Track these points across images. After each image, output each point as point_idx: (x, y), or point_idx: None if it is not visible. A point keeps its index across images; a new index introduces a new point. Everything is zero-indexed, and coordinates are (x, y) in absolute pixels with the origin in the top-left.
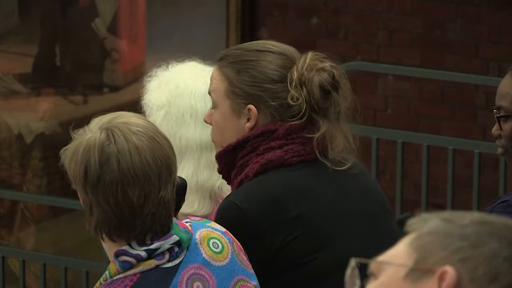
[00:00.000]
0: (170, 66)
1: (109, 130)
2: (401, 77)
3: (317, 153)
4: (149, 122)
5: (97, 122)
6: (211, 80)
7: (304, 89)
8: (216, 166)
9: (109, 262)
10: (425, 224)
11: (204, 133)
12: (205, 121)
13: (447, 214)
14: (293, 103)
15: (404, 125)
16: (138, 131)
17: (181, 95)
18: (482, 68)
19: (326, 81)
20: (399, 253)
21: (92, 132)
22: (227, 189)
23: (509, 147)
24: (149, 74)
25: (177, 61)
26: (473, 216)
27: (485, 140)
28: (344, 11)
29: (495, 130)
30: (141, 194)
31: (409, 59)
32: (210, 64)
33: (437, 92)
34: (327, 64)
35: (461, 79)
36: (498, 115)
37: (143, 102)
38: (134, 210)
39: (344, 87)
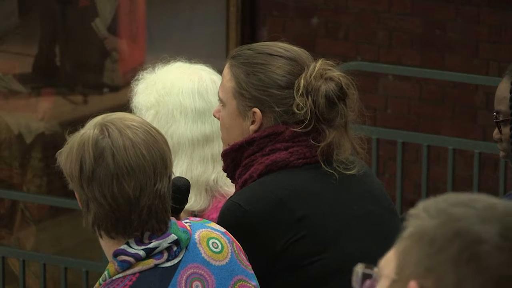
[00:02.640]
0: (156, 68)
1: (103, 126)
2: (401, 77)
3: (321, 162)
4: (144, 119)
5: (91, 122)
6: (222, 77)
7: (310, 98)
8: (209, 160)
9: (109, 262)
10: (413, 222)
11: (194, 129)
12: (214, 116)
13: (434, 206)
14: (298, 111)
15: (404, 125)
16: (133, 125)
17: (169, 93)
18: (482, 68)
19: (333, 92)
20: (389, 258)
21: (86, 130)
22: (222, 182)
23: (510, 151)
24: (136, 78)
25: (163, 63)
26: (453, 208)
27: (485, 140)
28: (344, 11)
29: (495, 134)
30: (137, 186)
31: (409, 59)
32: (195, 63)
33: (437, 92)
34: (336, 73)
35: (461, 79)
36: (497, 120)
37: (132, 105)
38: (130, 202)
39: (352, 97)
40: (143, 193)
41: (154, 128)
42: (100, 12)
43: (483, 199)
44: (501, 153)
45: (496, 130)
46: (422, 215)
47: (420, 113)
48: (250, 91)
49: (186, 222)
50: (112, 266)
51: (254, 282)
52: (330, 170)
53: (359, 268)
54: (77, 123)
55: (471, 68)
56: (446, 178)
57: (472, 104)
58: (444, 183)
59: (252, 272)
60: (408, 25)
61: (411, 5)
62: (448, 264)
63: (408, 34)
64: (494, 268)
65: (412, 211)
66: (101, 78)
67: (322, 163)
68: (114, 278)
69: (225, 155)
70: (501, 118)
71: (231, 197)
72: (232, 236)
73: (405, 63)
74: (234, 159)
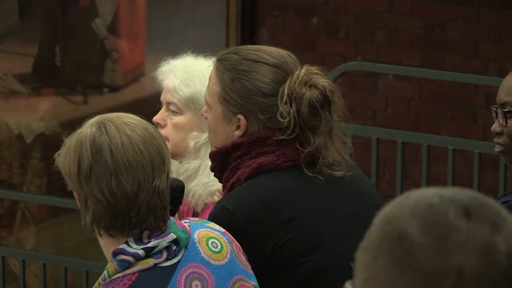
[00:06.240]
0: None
1: (100, 123)
2: (401, 77)
3: (303, 166)
4: (141, 118)
5: (88, 121)
6: (209, 78)
7: (293, 107)
8: None
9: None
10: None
11: None
12: (202, 115)
13: (382, 211)
14: (282, 120)
15: (404, 125)
16: (130, 122)
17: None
18: (482, 68)
19: (316, 100)
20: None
21: (84, 128)
22: None
23: (510, 145)
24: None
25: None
26: (390, 209)
27: (485, 140)
28: (344, 11)
29: (496, 127)
30: (135, 182)
31: (409, 59)
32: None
33: (437, 92)
34: (320, 81)
35: (461, 79)
36: (505, 110)
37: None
38: (129, 199)
39: (337, 103)
40: (141, 190)
41: (152, 126)
42: (100, 12)
43: (415, 194)
44: (499, 147)
45: (495, 124)
46: (374, 221)
47: (420, 113)
48: (234, 98)
49: (185, 222)
50: (111, 266)
51: (254, 282)
52: (314, 174)
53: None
54: (77, 123)
55: (471, 68)
56: (446, 178)
57: (472, 104)
58: (444, 183)
59: (252, 272)
60: (408, 25)
61: (411, 5)
62: (380, 271)
63: (408, 34)
64: (419, 265)
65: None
66: (101, 78)
67: (304, 167)
68: (113, 277)
69: (213, 156)
70: (507, 109)
71: (219, 201)
72: (232, 236)
73: (405, 63)
74: (221, 161)
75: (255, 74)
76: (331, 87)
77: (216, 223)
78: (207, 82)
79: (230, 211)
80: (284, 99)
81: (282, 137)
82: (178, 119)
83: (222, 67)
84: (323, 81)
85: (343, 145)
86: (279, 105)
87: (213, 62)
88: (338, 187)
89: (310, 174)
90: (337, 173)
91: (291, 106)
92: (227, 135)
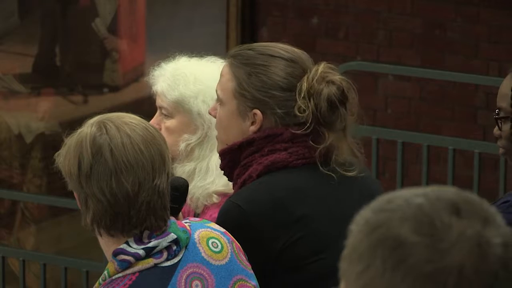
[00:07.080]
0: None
1: (101, 123)
2: (401, 77)
3: (319, 164)
4: (142, 118)
5: (89, 121)
6: (220, 75)
7: (312, 101)
8: None
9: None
10: (348, 239)
11: None
12: (209, 113)
13: (361, 218)
14: (300, 114)
15: (404, 125)
16: (131, 122)
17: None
18: (482, 68)
19: (335, 95)
20: (341, 282)
21: (84, 128)
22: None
23: (509, 148)
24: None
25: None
26: (374, 216)
27: (485, 140)
28: (344, 11)
29: (496, 130)
30: (135, 182)
31: (409, 59)
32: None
33: (437, 92)
34: (337, 77)
35: (461, 79)
36: (496, 116)
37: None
38: (129, 198)
39: (352, 100)
40: (141, 189)
41: (152, 126)
42: (100, 12)
43: (399, 197)
44: (500, 150)
45: (496, 127)
46: (354, 230)
47: (420, 113)
48: (251, 92)
49: (185, 222)
50: (111, 266)
51: (254, 282)
52: (328, 172)
53: None
54: (77, 123)
55: (471, 68)
56: (446, 178)
57: (472, 104)
58: (444, 183)
59: (252, 272)
60: (408, 25)
61: (411, 5)
62: (377, 278)
63: (408, 34)
64: (419, 266)
65: (351, 226)
66: (101, 78)
67: (320, 165)
68: (113, 277)
69: (223, 154)
70: (501, 115)
71: (230, 197)
72: (232, 236)
73: (405, 63)
74: (232, 159)
75: (272, 68)
76: (348, 84)
77: (226, 219)
78: (190, 84)
79: (241, 207)
80: (303, 94)
81: (297, 132)
82: (170, 122)
83: (236, 62)
84: (340, 77)
85: (355, 144)
86: (298, 99)
87: (216, 61)
88: (350, 187)
89: (325, 171)
90: (349, 173)
91: (309, 101)
92: (241, 131)
